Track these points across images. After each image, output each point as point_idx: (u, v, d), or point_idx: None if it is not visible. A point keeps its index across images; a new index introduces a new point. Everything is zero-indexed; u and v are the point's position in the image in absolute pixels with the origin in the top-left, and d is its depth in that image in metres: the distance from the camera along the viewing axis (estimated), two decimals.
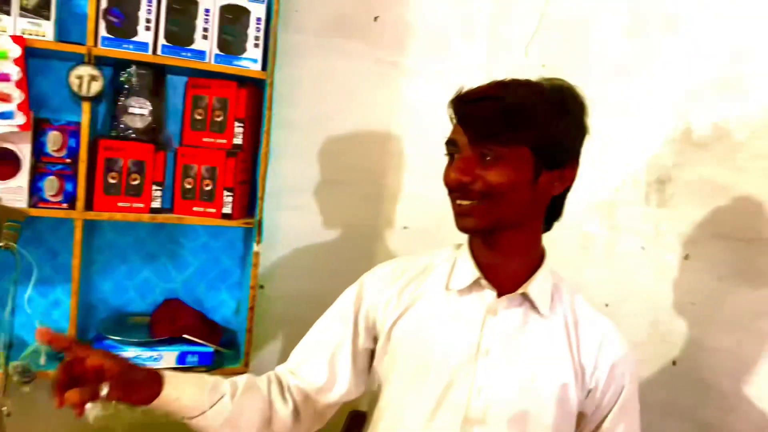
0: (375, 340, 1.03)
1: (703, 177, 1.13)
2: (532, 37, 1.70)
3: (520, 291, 0.94)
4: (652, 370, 1.24)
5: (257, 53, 1.54)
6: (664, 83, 1.25)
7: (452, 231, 1.01)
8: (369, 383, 1.05)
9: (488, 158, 0.88)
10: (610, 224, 1.35)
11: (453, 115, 0.92)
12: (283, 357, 1.72)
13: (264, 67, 1.54)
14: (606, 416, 0.96)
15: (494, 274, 0.95)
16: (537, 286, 0.95)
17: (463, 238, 1.02)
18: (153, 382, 0.92)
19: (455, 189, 0.91)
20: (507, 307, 0.95)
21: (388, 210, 1.86)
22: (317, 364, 1.03)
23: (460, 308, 0.96)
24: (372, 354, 1.04)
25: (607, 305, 1.33)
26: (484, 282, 0.95)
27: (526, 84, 0.91)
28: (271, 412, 0.99)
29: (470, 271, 0.96)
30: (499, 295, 0.95)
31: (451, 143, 0.93)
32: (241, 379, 1.00)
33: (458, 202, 0.91)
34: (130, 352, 1.48)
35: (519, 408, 0.92)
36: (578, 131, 0.93)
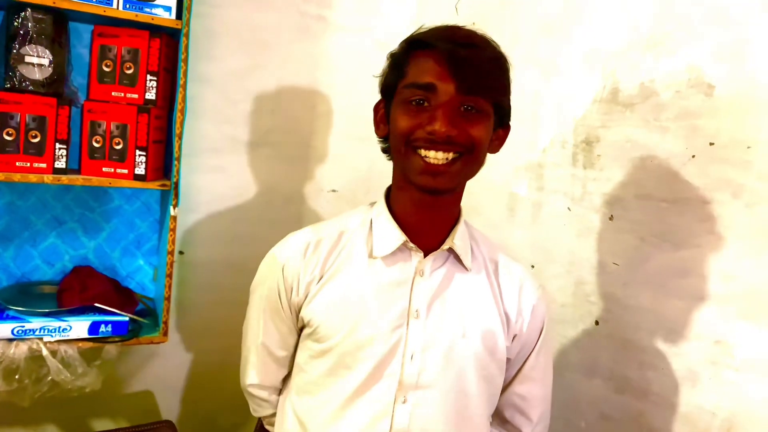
0: (297, 316, 0.99)
1: (629, 137, 1.13)
2: None
3: (445, 247, 0.92)
4: (576, 330, 1.26)
5: (171, 1, 1.42)
6: (592, 42, 1.23)
7: (382, 193, 0.96)
8: (297, 360, 1.01)
9: (468, 111, 0.83)
10: (537, 185, 1.34)
11: (431, 57, 0.83)
12: (204, 325, 1.68)
13: (179, 15, 1.42)
14: (529, 356, 0.98)
15: (421, 234, 0.92)
16: (459, 239, 0.93)
17: (377, 196, 0.97)
18: None
19: (432, 140, 0.82)
20: (434, 266, 0.93)
21: (314, 172, 1.79)
22: (278, 372, 1.05)
23: (386, 274, 0.92)
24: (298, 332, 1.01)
25: (533, 266, 1.34)
26: (410, 244, 0.91)
27: (483, 36, 0.87)
28: None
29: (394, 234, 0.92)
30: (426, 254, 0.92)
31: (426, 88, 0.83)
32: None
33: (432, 157, 0.83)
34: (35, 323, 1.37)
35: (451, 366, 0.91)
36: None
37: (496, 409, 1.02)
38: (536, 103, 1.38)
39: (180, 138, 1.46)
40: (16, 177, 1.35)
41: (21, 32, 1.35)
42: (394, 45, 0.91)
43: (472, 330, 0.91)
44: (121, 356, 1.48)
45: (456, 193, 0.92)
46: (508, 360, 0.97)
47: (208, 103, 1.64)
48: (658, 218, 1.09)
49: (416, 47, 0.87)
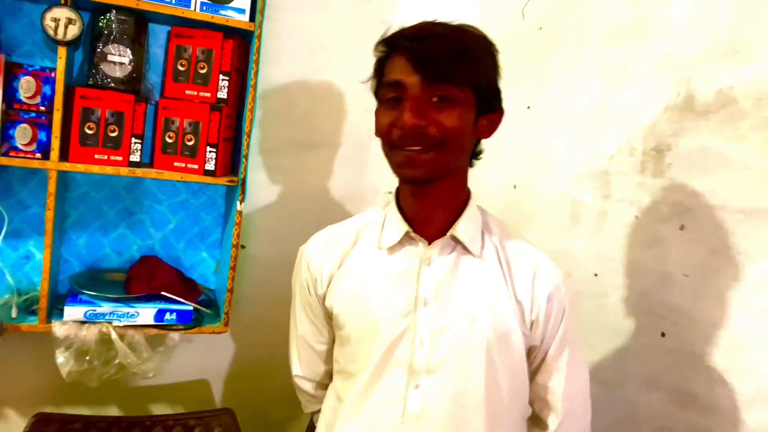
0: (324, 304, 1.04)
1: (703, 146, 1.10)
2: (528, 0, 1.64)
3: (448, 235, 0.94)
4: (639, 342, 1.22)
5: (245, 3, 1.47)
6: (666, 48, 1.21)
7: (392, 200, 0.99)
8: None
9: (439, 101, 0.85)
10: (603, 193, 1.32)
11: (396, 56, 0.88)
12: (259, 318, 1.71)
13: (252, 18, 1.47)
14: (550, 346, 0.97)
15: (424, 224, 0.95)
16: (464, 227, 0.94)
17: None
18: None
19: (411, 134, 0.85)
20: (440, 254, 0.95)
21: (370, 174, 1.81)
22: (318, 364, 1.10)
23: (393, 264, 0.96)
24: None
25: (596, 275, 1.32)
26: (413, 234, 0.95)
27: (459, 26, 0.90)
28: None
29: (398, 226, 0.96)
30: (430, 243, 0.94)
31: (394, 85, 0.88)
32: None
33: (408, 149, 0.86)
34: (106, 308, 1.44)
35: (461, 352, 0.91)
36: (499, 75, 0.93)
37: (530, 403, 1.01)
38: (602, 110, 1.36)
39: (249, 136, 1.50)
40: (95, 169, 1.42)
41: (105, 32, 1.42)
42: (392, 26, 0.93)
43: (482, 316, 0.92)
44: (180, 344, 1.53)
45: (449, 180, 0.93)
46: (533, 348, 0.97)
47: (271, 104, 1.69)
48: (731, 230, 1.05)
49: (385, 49, 0.91)
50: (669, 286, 1.16)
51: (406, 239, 0.96)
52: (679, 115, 1.16)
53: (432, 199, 0.94)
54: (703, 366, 1.09)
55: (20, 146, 1.38)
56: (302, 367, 1.11)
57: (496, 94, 0.93)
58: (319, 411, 1.13)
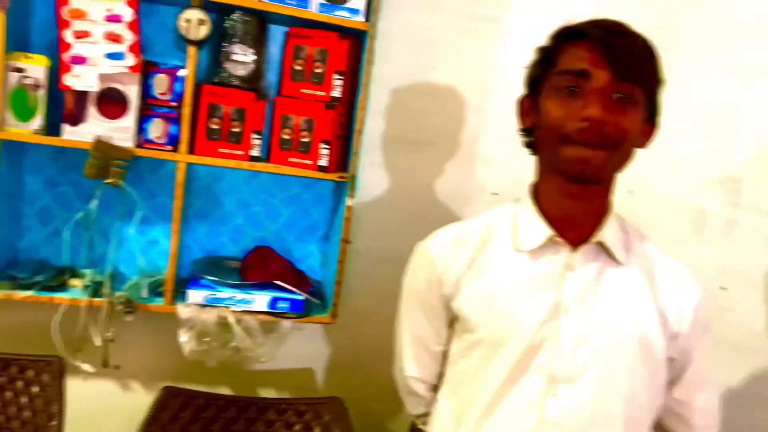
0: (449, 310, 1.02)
1: None
2: None
3: (594, 240, 0.91)
4: None
5: (360, 3, 1.50)
6: None
7: (525, 193, 0.96)
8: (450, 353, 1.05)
9: (621, 99, 0.83)
10: (732, 201, 1.25)
11: (586, 45, 0.84)
12: (362, 311, 1.76)
13: (367, 18, 1.50)
14: (691, 360, 0.94)
15: (570, 227, 0.92)
16: (610, 233, 0.91)
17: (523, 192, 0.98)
18: None
19: (593, 130, 0.82)
20: (583, 260, 0.92)
21: (477, 174, 1.81)
22: (433, 366, 1.08)
23: (534, 268, 0.93)
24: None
25: (723, 288, 1.25)
26: (558, 238, 0.92)
27: (634, 29, 0.86)
28: None
29: (541, 228, 0.92)
30: (575, 248, 0.91)
31: (577, 74, 0.84)
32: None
33: (584, 145, 0.83)
34: (224, 293, 1.53)
35: (603, 362, 0.89)
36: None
37: (659, 418, 0.97)
38: (733, 113, 1.28)
39: (360, 134, 1.54)
40: (219, 162, 1.51)
41: (230, 32, 1.50)
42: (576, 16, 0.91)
43: (626, 326, 0.89)
44: (289, 333, 1.60)
45: (605, 184, 0.91)
46: (672, 360, 0.93)
47: (381, 102, 1.71)
48: None
49: (567, 38, 0.88)
50: None
51: (548, 243, 0.93)
52: None
53: (585, 202, 0.91)
54: None
55: (153, 139, 1.49)
56: (417, 369, 1.09)
57: (658, 101, 0.90)
58: (424, 414, 1.13)
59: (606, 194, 0.93)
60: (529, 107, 0.95)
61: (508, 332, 0.92)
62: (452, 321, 1.02)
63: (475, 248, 0.97)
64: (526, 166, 1.74)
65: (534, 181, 0.98)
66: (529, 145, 0.98)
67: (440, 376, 1.08)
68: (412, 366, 1.09)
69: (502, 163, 1.78)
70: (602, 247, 0.92)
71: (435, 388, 1.10)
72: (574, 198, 0.91)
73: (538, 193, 0.96)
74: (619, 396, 0.90)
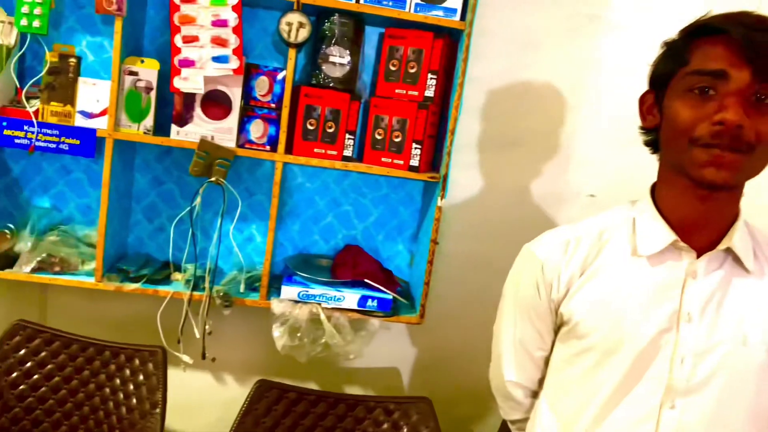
0: (556, 314, 0.98)
1: None
2: None
3: (722, 247, 0.85)
4: None
5: (456, 2, 1.50)
6: None
7: (644, 195, 0.92)
8: (553, 360, 1.02)
9: (763, 101, 0.77)
10: None
11: (711, 41, 0.79)
12: (449, 313, 1.75)
13: (463, 17, 1.50)
14: None
15: (695, 233, 0.87)
16: (739, 239, 0.85)
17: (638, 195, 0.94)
18: None
19: (730, 134, 0.77)
20: (708, 267, 0.87)
21: (572, 175, 1.76)
22: (534, 371, 1.06)
23: (653, 274, 0.88)
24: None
25: None
26: (681, 244, 0.87)
27: None
28: None
29: (663, 232, 0.88)
30: (698, 254, 0.86)
31: (712, 74, 0.79)
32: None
33: (714, 148, 0.79)
34: (316, 290, 1.56)
35: (728, 375, 0.84)
36: None
37: None
38: None
39: (453, 134, 1.54)
40: (314, 162, 1.54)
41: (328, 35, 1.54)
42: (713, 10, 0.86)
43: (754, 337, 0.84)
44: (378, 331, 1.61)
45: (738, 190, 0.86)
46: None
47: (473, 102, 1.70)
48: None
49: (701, 33, 0.82)
50: None
51: (670, 248, 0.89)
52: None
53: (711, 209, 0.86)
54: None
55: (254, 139, 1.55)
56: (517, 373, 1.05)
57: None
58: (520, 420, 1.11)
59: (736, 200, 0.88)
60: (653, 105, 0.91)
61: (621, 339, 0.88)
62: (558, 327, 0.99)
63: (588, 252, 0.94)
64: (624, 168, 1.70)
65: (655, 182, 0.94)
66: (649, 143, 0.94)
67: (540, 382, 1.06)
68: (511, 370, 1.06)
69: (598, 165, 1.73)
70: (730, 255, 0.87)
71: (534, 394, 1.08)
72: (701, 202, 0.86)
73: (659, 195, 0.91)
74: (743, 411, 0.85)
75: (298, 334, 1.56)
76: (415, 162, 1.55)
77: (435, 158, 1.65)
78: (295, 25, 1.48)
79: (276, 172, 1.53)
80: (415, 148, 1.55)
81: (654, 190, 0.93)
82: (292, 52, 1.50)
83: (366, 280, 1.58)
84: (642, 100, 0.94)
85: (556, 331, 1.00)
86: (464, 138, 1.72)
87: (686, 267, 0.87)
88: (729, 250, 0.87)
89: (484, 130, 1.74)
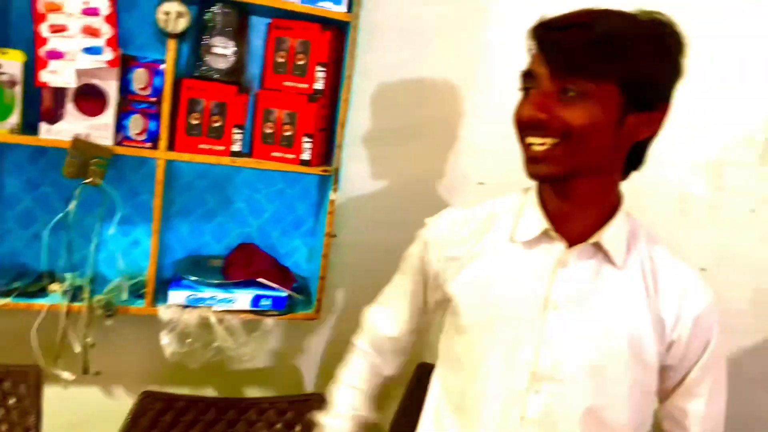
0: (438, 289, 1.02)
1: None
2: None
3: (591, 241, 0.88)
4: (755, 341, 1.16)
5: None
6: None
7: (532, 184, 0.95)
8: (434, 336, 1.04)
9: (570, 94, 0.80)
10: (716, 185, 1.25)
11: (533, 44, 0.84)
12: (351, 305, 1.74)
13: (350, 8, 1.49)
14: (691, 369, 0.91)
15: (565, 224, 0.90)
16: (611, 235, 0.89)
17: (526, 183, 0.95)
18: None
19: (528, 127, 0.83)
20: (578, 259, 0.90)
21: (464, 165, 1.80)
22: (393, 318, 1.11)
23: (527, 260, 0.91)
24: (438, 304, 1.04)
25: (703, 270, 1.25)
26: (553, 233, 0.90)
27: (619, 13, 0.82)
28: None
29: (538, 221, 0.91)
30: (570, 245, 0.90)
31: (528, 76, 0.84)
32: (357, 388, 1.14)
33: (530, 143, 0.83)
34: (206, 293, 1.50)
35: (590, 363, 0.88)
36: (673, 71, 0.84)
37: (656, 421, 0.97)
38: (717, 99, 1.29)
39: (343, 127, 1.53)
40: (199, 158, 1.48)
41: (210, 25, 1.48)
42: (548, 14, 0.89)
43: (616, 330, 0.88)
44: (274, 330, 1.58)
45: (590, 182, 0.87)
46: (669, 368, 0.92)
47: (366, 94, 1.70)
48: None
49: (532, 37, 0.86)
50: None
51: (544, 236, 0.91)
52: None
53: (572, 200, 0.89)
54: None
55: (133, 136, 1.46)
56: (384, 315, 1.13)
57: (657, 89, 0.84)
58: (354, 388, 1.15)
59: (598, 193, 0.89)
60: None
61: (494, 323, 0.91)
62: (444, 303, 1.01)
63: (473, 233, 0.97)
64: (510, 158, 1.75)
65: None
66: None
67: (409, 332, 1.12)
68: (379, 309, 1.15)
69: (488, 153, 1.78)
70: (600, 249, 0.90)
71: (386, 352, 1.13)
72: (558, 195, 0.89)
73: (541, 185, 0.94)
74: (604, 399, 0.88)
75: (189, 340, 1.49)
76: (306, 156, 1.53)
77: (328, 152, 1.63)
78: (173, 14, 1.41)
79: (158, 171, 1.45)
80: (306, 141, 1.52)
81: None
82: (171, 43, 1.43)
83: (259, 279, 1.53)
84: None
85: (438, 307, 1.04)
86: (360, 130, 1.72)
87: (557, 256, 0.90)
88: (599, 245, 0.89)
89: (378, 122, 1.74)
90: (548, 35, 0.81)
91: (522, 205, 0.95)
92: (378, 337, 1.13)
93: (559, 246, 0.90)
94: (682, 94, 1.12)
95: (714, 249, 1.25)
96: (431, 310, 1.07)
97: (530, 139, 0.83)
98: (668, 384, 0.94)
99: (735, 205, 1.21)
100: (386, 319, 1.12)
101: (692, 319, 0.89)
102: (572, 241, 0.90)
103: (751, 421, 1.15)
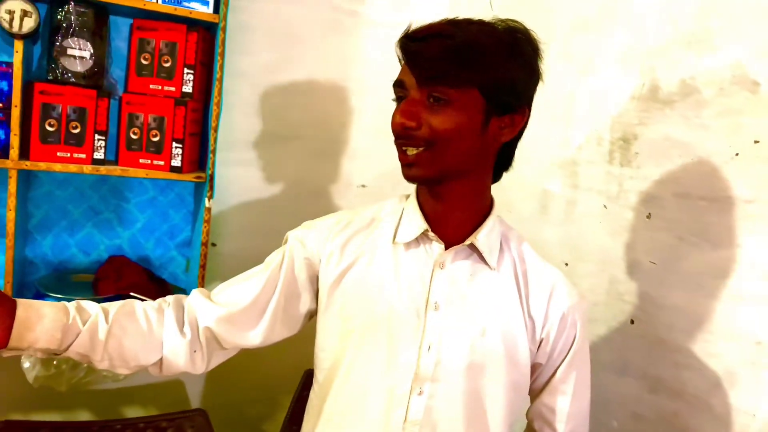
0: (315, 294, 0.98)
1: (667, 135, 1.12)
2: None
3: (467, 242, 0.91)
4: (609, 329, 1.24)
5: None
6: (630, 39, 1.22)
7: (410, 187, 0.97)
8: (318, 342, 1.00)
9: (436, 102, 0.83)
10: (571, 183, 1.33)
11: (400, 55, 0.86)
12: None
13: (216, 9, 1.44)
14: (558, 366, 0.95)
15: (441, 226, 0.92)
16: (484, 237, 0.92)
17: (405, 192, 0.98)
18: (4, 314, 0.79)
19: (401, 135, 0.85)
20: (454, 260, 0.92)
21: (344, 167, 1.80)
22: (243, 290, 0.96)
23: (407, 262, 0.93)
24: (309, 312, 1.00)
25: (566, 264, 1.33)
26: (431, 234, 0.91)
27: (478, 23, 0.86)
28: (157, 339, 0.91)
29: (417, 223, 0.92)
30: (447, 247, 0.92)
31: (398, 85, 0.87)
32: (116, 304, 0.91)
33: (404, 149, 0.86)
34: None
35: (469, 363, 0.90)
36: (531, 75, 0.88)
37: (528, 420, 1.01)
38: (570, 100, 1.37)
39: (216, 131, 1.48)
40: (57, 167, 1.38)
41: (64, 25, 1.38)
42: (414, 24, 0.91)
43: (492, 329, 0.91)
44: None
45: (462, 184, 0.89)
46: (537, 366, 0.96)
47: (241, 97, 1.66)
48: (696, 217, 1.07)
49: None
50: (637, 274, 1.18)
51: (423, 238, 0.93)
52: (645, 105, 1.18)
53: (444, 201, 0.91)
54: (670, 351, 1.12)
55: None
56: (220, 289, 0.98)
57: (516, 93, 0.87)
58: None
59: (470, 195, 0.91)
60: None
61: (376, 324, 0.91)
62: (316, 305, 0.99)
63: (353, 234, 0.96)
64: (389, 160, 1.77)
65: None
66: None
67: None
68: (221, 285, 0.99)
69: (366, 156, 1.79)
70: (475, 250, 0.92)
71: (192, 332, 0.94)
72: (433, 197, 0.91)
73: (419, 190, 0.96)
74: (482, 398, 0.91)
75: (54, 362, 1.39)
76: (177, 162, 1.46)
77: (202, 157, 1.57)
78: (18, 14, 1.30)
79: (10, 181, 1.34)
80: (176, 147, 1.46)
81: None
82: (18, 44, 1.32)
83: (132, 294, 1.45)
84: None
85: (310, 311, 0.99)
86: (236, 134, 1.67)
87: (435, 257, 0.91)
88: (473, 246, 0.91)
89: (256, 126, 1.70)
90: (412, 46, 0.84)
91: (402, 209, 0.97)
92: (224, 308, 0.95)
93: (437, 247, 0.92)
94: (542, 98, 1.18)
95: (571, 243, 1.32)
96: (288, 317, 0.99)
97: (402, 145, 0.86)
98: (538, 383, 0.98)
99: (588, 201, 1.29)
100: (236, 293, 0.97)
101: (558, 317, 0.93)
102: (449, 243, 0.92)
103: (606, 404, 1.23)
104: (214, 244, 1.67)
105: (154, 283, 1.54)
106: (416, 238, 0.92)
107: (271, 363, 1.11)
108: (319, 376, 1.00)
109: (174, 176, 1.46)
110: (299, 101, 1.72)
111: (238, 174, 1.69)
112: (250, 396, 1.69)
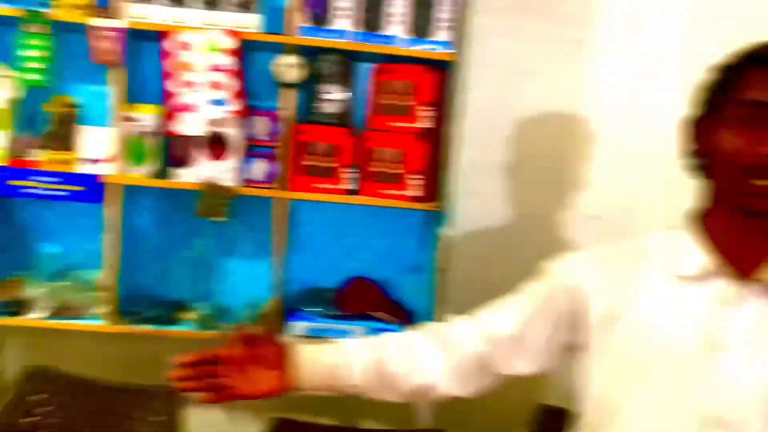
0: (572, 329, 0.94)
1: None
2: None
3: (760, 276, 0.82)
4: None
5: (446, 36, 1.53)
6: None
7: (651, 220, 0.90)
8: (586, 381, 0.95)
9: None
10: None
11: (756, 70, 0.79)
12: None
13: (452, 48, 1.53)
14: None
15: (736, 261, 0.84)
16: None
17: (672, 220, 0.91)
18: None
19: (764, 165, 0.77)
20: (753, 296, 0.84)
21: (574, 198, 1.77)
22: (507, 317, 0.97)
23: (690, 297, 0.86)
24: (566, 346, 0.96)
25: None
26: (724, 268, 0.84)
27: None
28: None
29: (703, 257, 0.86)
30: (741, 281, 0.84)
31: (758, 105, 0.79)
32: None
33: (758, 182, 0.78)
34: (324, 325, 1.57)
35: (765, 407, 0.81)
36: None
37: None
38: None
39: (452, 163, 1.56)
40: (313, 197, 1.57)
41: (321, 73, 1.58)
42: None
43: None
44: None
45: None
46: None
47: (470, 130, 1.72)
48: None
49: (752, 62, 0.81)
50: None
51: (711, 272, 0.86)
52: None
53: (757, 236, 0.84)
54: None
55: (254, 177, 1.58)
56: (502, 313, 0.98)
57: None
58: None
59: None
60: (700, 130, 0.88)
61: (658, 364, 0.86)
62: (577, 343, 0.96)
63: (621, 267, 0.92)
64: (626, 190, 1.71)
65: (696, 207, 0.92)
66: (696, 168, 0.90)
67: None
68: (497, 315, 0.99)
69: (600, 187, 1.74)
70: None
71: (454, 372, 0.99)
72: (747, 232, 0.84)
73: (706, 220, 0.90)
74: None
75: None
76: (415, 192, 1.57)
77: (438, 188, 1.66)
78: (290, 67, 1.52)
79: (278, 209, 1.55)
80: (415, 178, 1.57)
81: (696, 215, 0.91)
82: (288, 92, 1.54)
83: (372, 313, 1.59)
84: (686, 124, 0.91)
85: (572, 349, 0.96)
86: (471, 166, 1.72)
87: (727, 294, 0.85)
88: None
89: (485, 157, 1.74)
90: None
91: (673, 240, 0.91)
92: (488, 332, 0.98)
93: (730, 284, 0.85)
94: None
95: None
96: (549, 349, 0.97)
97: (763, 173, 0.78)
98: None
99: None
100: (500, 319, 0.98)
101: None
102: (743, 276, 0.85)
103: None
104: (445, 270, 1.75)
105: (391, 305, 1.66)
106: (702, 272, 0.86)
107: (503, 391, 1.12)
108: (586, 416, 0.96)
109: (413, 205, 1.57)
110: (527, 133, 1.73)
111: (468, 204, 1.74)
112: (483, 423, 1.71)
